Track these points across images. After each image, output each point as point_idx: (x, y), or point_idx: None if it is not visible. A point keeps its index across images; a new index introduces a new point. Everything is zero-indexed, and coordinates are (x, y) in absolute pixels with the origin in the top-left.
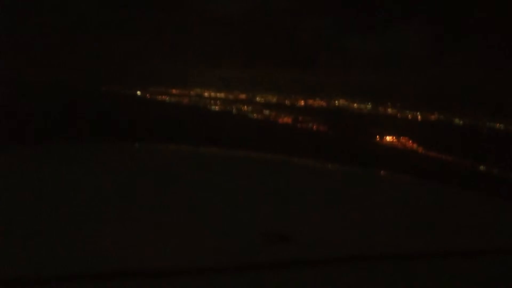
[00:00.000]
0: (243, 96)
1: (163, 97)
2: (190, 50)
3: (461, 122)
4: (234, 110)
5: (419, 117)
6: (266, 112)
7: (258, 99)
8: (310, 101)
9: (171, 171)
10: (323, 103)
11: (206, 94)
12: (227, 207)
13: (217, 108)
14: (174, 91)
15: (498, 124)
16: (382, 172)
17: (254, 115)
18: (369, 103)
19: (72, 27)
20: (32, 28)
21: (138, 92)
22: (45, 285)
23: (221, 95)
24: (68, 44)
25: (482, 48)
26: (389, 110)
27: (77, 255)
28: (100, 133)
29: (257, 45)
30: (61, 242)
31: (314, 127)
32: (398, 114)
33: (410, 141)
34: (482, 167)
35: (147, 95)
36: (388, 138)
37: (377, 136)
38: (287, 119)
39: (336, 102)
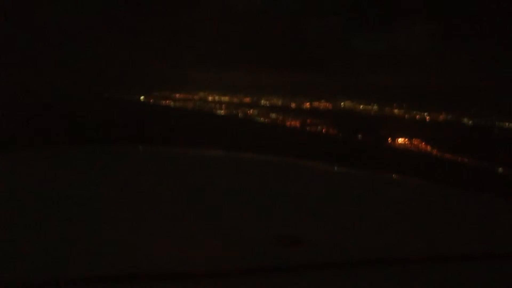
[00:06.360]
0: (248, 99)
1: (167, 102)
2: (192, 53)
3: (469, 122)
4: (239, 114)
5: (426, 117)
6: (272, 115)
7: (263, 102)
8: (316, 103)
9: (180, 174)
10: (328, 105)
11: (210, 98)
12: (238, 210)
13: (222, 112)
14: (178, 95)
15: (507, 123)
16: (393, 175)
17: (260, 118)
18: (375, 104)
19: (74, 31)
20: (34, 33)
21: (142, 98)
22: None
23: (226, 98)
24: (71, 49)
25: (490, 48)
26: (396, 111)
27: (83, 258)
28: (104, 138)
29: (260, 48)
30: (63, 245)
31: (321, 129)
32: (406, 115)
33: (418, 142)
34: (491, 167)
35: (151, 100)
36: (396, 139)
37: (384, 137)
38: (293, 122)
39: (342, 104)
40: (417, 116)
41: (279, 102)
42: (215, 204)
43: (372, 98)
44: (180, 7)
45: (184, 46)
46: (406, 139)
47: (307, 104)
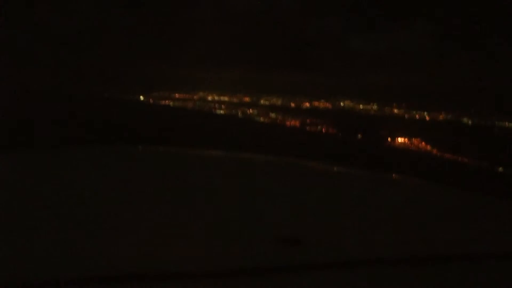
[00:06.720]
0: (247, 99)
1: (167, 102)
2: (192, 53)
3: (469, 122)
4: (239, 114)
5: (426, 117)
6: (272, 115)
7: (262, 102)
8: (315, 103)
9: (180, 174)
10: (328, 105)
11: (210, 98)
12: (238, 210)
13: (222, 112)
14: (178, 95)
15: (507, 123)
16: (393, 175)
17: (260, 118)
18: (375, 104)
19: (74, 31)
20: (33, 33)
21: (142, 98)
22: None
23: (226, 98)
24: (70, 49)
25: (490, 48)
26: (396, 111)
27: (83, 258)
28: (103, 138)
29: (260, 48)
30: (63, 245)
31: (321, 129)
32: (406, 115)
33: (418, 142)
34: (491, 167)
35: (151, 100)
36: (396, 139)
37: (384, 137)
38: (293, 122)
39: (342, 103)
40: (417, 116)
41: (279, 102)
42: (215, 204)
43: (372, 98)
44: (180, 7)
45: (184, 46)
46: (406, 139)
47: (307, 104)
